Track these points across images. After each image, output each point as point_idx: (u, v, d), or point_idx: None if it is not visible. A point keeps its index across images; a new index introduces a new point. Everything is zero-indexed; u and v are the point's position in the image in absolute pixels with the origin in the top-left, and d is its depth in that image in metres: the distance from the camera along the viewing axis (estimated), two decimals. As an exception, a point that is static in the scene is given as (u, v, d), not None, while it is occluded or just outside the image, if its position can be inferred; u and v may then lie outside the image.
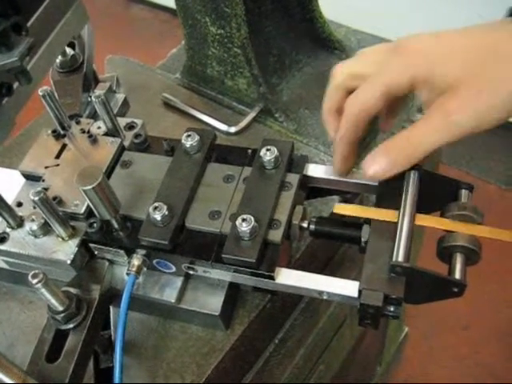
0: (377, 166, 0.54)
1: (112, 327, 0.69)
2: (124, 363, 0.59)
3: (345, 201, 0.79)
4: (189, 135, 0.66)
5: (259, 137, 0.84)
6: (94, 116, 0.78)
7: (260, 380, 0.76)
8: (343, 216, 0.60)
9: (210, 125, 0.85)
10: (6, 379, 0.51)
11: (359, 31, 1.01)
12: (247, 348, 0.70)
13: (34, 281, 0.55)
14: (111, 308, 0.69)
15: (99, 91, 0.69)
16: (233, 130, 0.84)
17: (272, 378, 0.81)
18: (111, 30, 2.61)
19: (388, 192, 0.59)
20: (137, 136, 0.70)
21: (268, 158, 0.62)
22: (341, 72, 0.59)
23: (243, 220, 0.57)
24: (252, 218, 0.57)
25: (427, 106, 0.52)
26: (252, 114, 0.85)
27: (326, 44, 0.94)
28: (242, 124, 0.84)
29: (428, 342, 1.86)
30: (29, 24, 0.51)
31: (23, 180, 0.73)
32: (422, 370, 1.83)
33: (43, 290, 0.56)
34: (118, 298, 0.64)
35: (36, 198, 0.60)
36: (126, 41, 2.60)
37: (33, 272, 0.55)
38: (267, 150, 0.63)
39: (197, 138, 0.65)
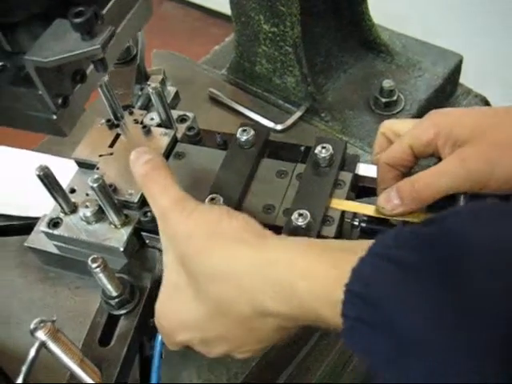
0: (390, 203, 0.58)
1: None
2: (167, 350, 0.60)
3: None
4: (244, 130, 0.66)
5: (305, 135, 0.86)
6: (146, 107, 0.79)
7: (299, 373, 0.77)
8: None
9: (256, 121, 0.86)
10: (64, 357, 0.52)
11: (403, 35, 1.02)
12: (290, 342, 0.71)
13: (94, 265, 0.56)
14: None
15: (155, 83, 0.70)
16: (279, 127, 0.85)
17: (310, 372, 0.81)
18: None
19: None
20: (190, 129, 0.71)
21: (323, 155, 0.63)
22: (383, 126, 0.65)
23: (299, 215, 0.58)
24: (308, 213, 0.58)
25: (445, 157, 0.57)
26: (299, 113, 0.86)
27: (373, 47, 0.95)
28: (289, 122, 0.85)
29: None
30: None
31: (74, 168, 0.74)
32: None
33: (101, 275, 0.57)
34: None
35: (95, 185, 0.61)
36: (158, 37, 2.61)
37: (92, 257, 0.57)
38: (322, 147, 0.64)
39: (252, 132, 0.66)
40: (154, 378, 0.57)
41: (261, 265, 0.46)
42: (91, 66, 0.52)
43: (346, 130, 0.86)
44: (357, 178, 0.66)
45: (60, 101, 0.49)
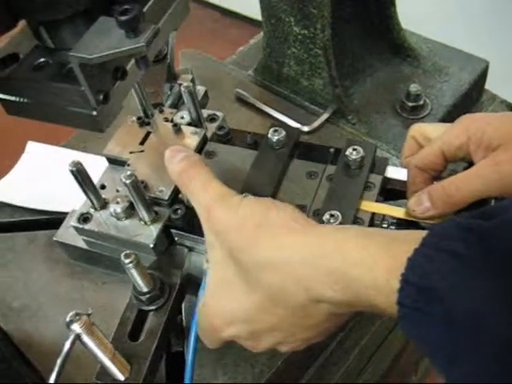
0: (421, 207, 0.58)
1: (184, 313, 0.70)
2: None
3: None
4: (276, 130, 0.67)
5: (331, 137, 0.86)
6: (175, 106, 0.79)
7: (320, 375, 0.77)
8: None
9: (283, 123, 0.87)
10: (97, 351, 0.53)
11: (430, 40, 1.02)
12: (314, 344, 0.71)
13: (127, 261, 0.57)
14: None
15: (187, 82, 0.71)
16: (306, 129, 0.85)
17: (330, 374, 0.82)
18: (161, 26, 2.63)
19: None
20: (220, 128, 0.72)
21: (354, 157, 0.64)
22: (413, 129, 0.65)
23: (331, 216, 0.59)
24: (339, 214, 0.59)
25: (477, 162, 0.57)
26: (325, 115, 0.86)
27: (400, 51, 0.95)
28: (316, 124, 0.86)
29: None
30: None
31: (102, 164, 0.74)
32: None
33: (133, 271, 0.58)
34: (193, 285, 0.66)
35: (128, 181, 0.61)
36: (177, 38, 2.63)
37: (125, 252, 0.57)
38: (353, 149, 0.64)
39: (283, 133, 0.67)
40: (187, 378, 0.58)
41: (314, 253, 0.47)
42: (130, 63, 0.53)
43: (372, 133, 0.87)
44: (386, 180, 0.67)
45: (101, 97, 0.50)
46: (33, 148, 0.90)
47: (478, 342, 0.37)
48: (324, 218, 0.59)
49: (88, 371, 0.61)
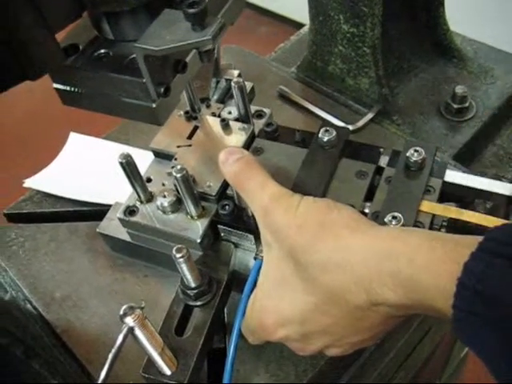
0: None
1: (226, 310, 0.70)
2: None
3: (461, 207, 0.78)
4: (326, 130, 0.66)
5: (375, 137, 0.85)
6: (222, 101, 0.79)
7: (359, 375, 0.77)
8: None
9: (327, 121, 0.86)
10: (148, 345, 0.53)
11: (476, 41, 1.00)
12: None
13: (178, 255, 0.57)
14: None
15: (237, 78, 0.71)
16: (350, 128, 0.84)
17: (365, 376, 0.81)
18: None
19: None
20: (268, 124, 0.71)
21: (415, 158, 0.63)
22: None
23: (393, 217, 0.58)
24: (401, 216, 0.58)
25: None
26: (370, 115, 0.85)
27: (445, 52, 0.94)
28: (360, 123, 0.85)
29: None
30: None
31: (142, 157, 0.74)
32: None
33: (184, 265, 0.58)
34: (237, 282, 0.66)
35: (178, 175, 0.61)
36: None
37: (177, 246, 0.57)
38: (415, 150, 0.63)
39: (334, 133, 0.66)
40: (226, 378, 0.57)
41: (378, 255, 0.46)
42: (189, 56, 0.53)
43: (416, 134, 0.86)
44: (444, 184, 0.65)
45: (162, 90, 0.50)
46: (75, 139, 0.90)
47: None
48: (386, 219, 0.58)
49: (133, 365, 0.62)
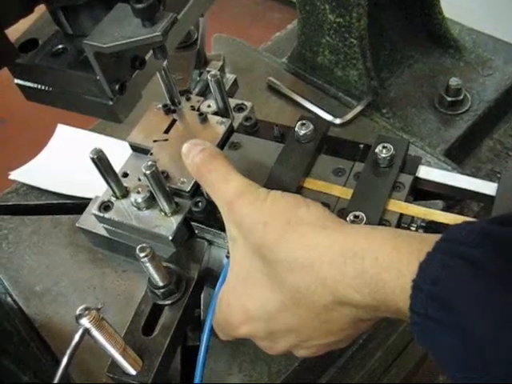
0: None
1: (202, 307, 0.69)
2: (210, 344, 0.59)
3: (447, 206, 0.76)
4: (303, 124, 0.64)
5: (364, 131, 0.83)
6: (203, 94, 0.77)
7: (340, 377, 0.75)
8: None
9: (315, 114, 0.84)
10: (107, 345, 0.52)
11: (475, 30, 0.97)
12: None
13: (142, 254, 0.55)
14: (203, 288, 0.69)
15: (215, 70, 0.69)
16: (338, 121, 0.82)
17: (349, 376, 0.79)
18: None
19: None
20: (247, 119, 0.70)
21: (384, 155, 0.60)
22: None
23: (355, 217, 0.56)
24: (364, 215, 0.56)
25: None
26: (359, 107, 0.83)
27: (441, 41, 0.91)
28: (348, 116, 0.82)
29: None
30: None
31: (126, 150, 0.73)
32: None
33: (148, 265, 0.57)
34: (212, 279, 0.65)
35: (147, 172, 0.60)
36: (218, 20, 2.59)
37: (140, 246, 0.56)
38: (383, 147, 0.61)
39: (311, 127, 0.64)
40: (197, 378, 0.56)
41: (344, 254, 0.44)
42: (151, 52, 0.51)
43: (407, 127, 0.83)
44: (417, 180, 0.63)
45: (117, 87, 0.48)
46: (62, 131, 0.90)
47: (492, 357, 0.34)
48: (348, 218, 0.56)
49: (105, 361, 0.61)
